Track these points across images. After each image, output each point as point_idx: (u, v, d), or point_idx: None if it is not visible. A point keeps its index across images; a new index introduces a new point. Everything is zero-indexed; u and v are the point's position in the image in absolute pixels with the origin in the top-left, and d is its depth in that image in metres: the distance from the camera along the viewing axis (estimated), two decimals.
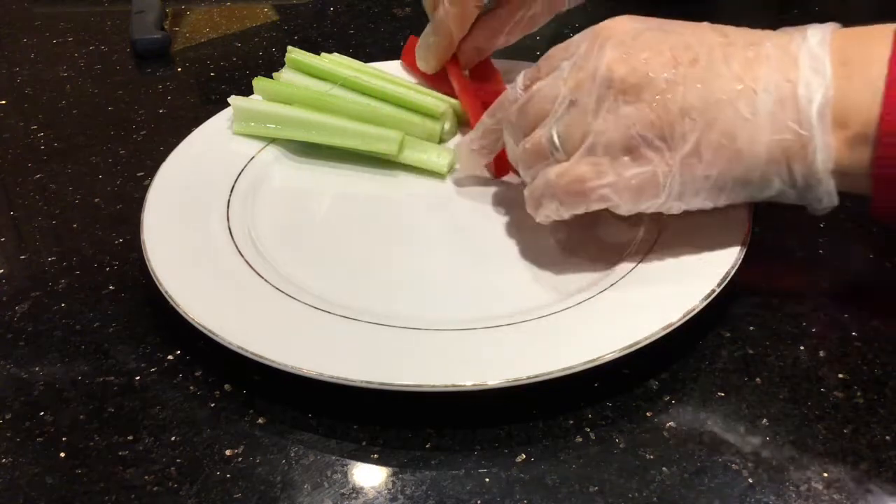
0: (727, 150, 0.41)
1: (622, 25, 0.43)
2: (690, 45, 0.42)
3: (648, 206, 0.43)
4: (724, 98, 0.41)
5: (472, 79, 0.62)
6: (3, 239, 0.54)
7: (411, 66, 0.65)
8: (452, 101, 0.60)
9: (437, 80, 0.62)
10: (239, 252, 0.48)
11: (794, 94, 0.40)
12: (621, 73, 0.41)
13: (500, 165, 0.55)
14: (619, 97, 0.41)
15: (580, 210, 0.44)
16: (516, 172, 0.54)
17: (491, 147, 0.51)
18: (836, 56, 0.40)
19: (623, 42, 0.42)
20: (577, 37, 0.45)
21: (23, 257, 0.52)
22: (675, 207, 0.44)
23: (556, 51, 0.46)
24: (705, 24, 0.44)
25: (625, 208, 0.44)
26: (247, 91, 0.60)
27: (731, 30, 0.44)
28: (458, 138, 0.59)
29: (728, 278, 0.44)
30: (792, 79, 0.40)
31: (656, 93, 0.41)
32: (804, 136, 0.40)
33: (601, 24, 0.44)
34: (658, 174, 0.42)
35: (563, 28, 0.80)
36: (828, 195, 0.42)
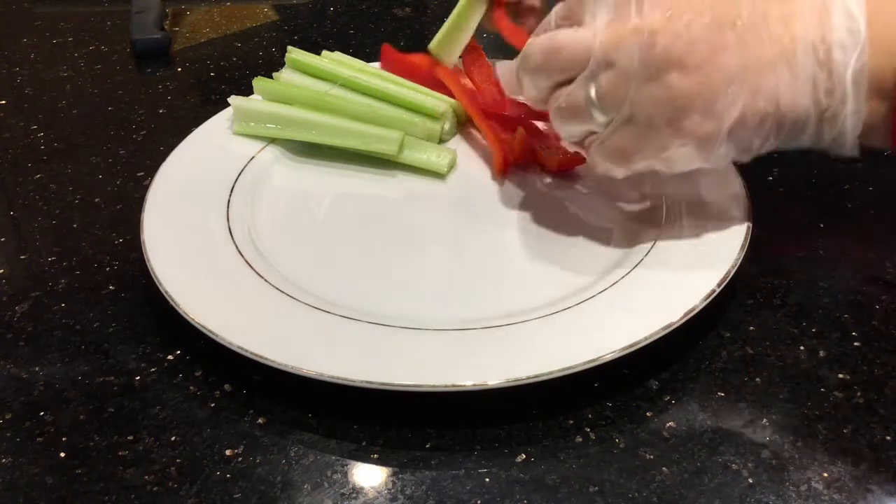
0: (772, 115, 0.41)
1: None
2: (731, 4, 0.40)
3: (695, 167, 0.43)
4: (767, 62, 0.40)
5: (466, 76, 0.62)
6: (3, 239, 0.54)
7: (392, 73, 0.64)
8: (452, 101, 0.60)
9: (434, 81, 0.62)
10: (239, 252, 0.48)
11: (829, 58, 0.39)
12: (664, 42, 0.39)
13: (503, 165, 0.56)
14: (662, 67, 0.40)
15: (628, 174, 0.44)
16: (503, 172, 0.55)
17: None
18: (870, 11, 0.39)
19: (662, 4, 0.40)
20: None
21: (23, 257, 0.52)
22: (720, 163, 0.43)
23: None
24: None
25: (672, 171, 0.43)
26: (247, 91, 0.60)
27: None
28: (450, 144, 0.59)
29: (728, 278, 0.44)
30: (827, 40, 0.39)
31: (700, 62, 0.39)
32: (837, 103, 0.40)
33: None
34: (704, 143, 0.41)
35: None
36: (851, 149, 0.42)
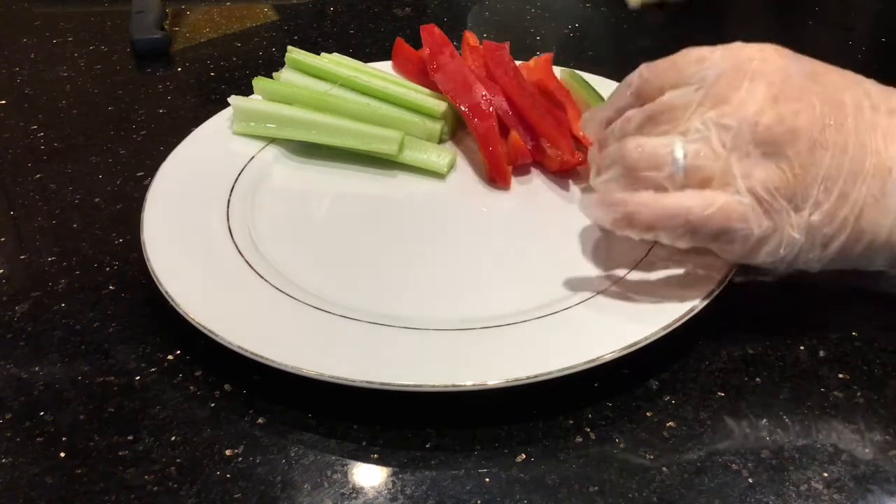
0: (852, 227, 0.40)
1: (772, 61, 0.41)
2: (841, 104, 0.40)
3: (762, 259, 0.41)
4: (861, 172, 0.39)
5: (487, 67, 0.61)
6: (3, 239, 0.54)
7: (401, 69, 0.64)
8: None
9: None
10: (239, 252, 0.48)
11: None
12: (767, 121, 0.39)
13: (496, 170, 0.55)
14: (760, 147, 0.39)
15: (683, 244, 0.42)
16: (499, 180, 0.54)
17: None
18: None
19: (772, 83, 0.40)
20: (714, 53, 0.42)
21: (23, 257, 0.52)
22: (784, 267, 0.42)
23: (685, 61, 0.42)
24: (850, 73, 0.42)
25: (736, 256, 0.42)
26: (247, 91, 0.60)
27: (872, 87, 0.41)
28: (449, 145, 0.59)
29: (728, 278, 0.44)
30: None
31: (799, 152, 0.39)
32: None
33: (745, 50, 0.41)
34: (781, 233, 0.40)
35: (562, 28, 0.80)
36: None
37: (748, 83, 0.40)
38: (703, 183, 0.40)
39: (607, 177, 0.43)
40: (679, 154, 0.40)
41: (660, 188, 0.41)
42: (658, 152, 0.41)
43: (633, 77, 0.44)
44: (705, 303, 0.43)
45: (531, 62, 0.63)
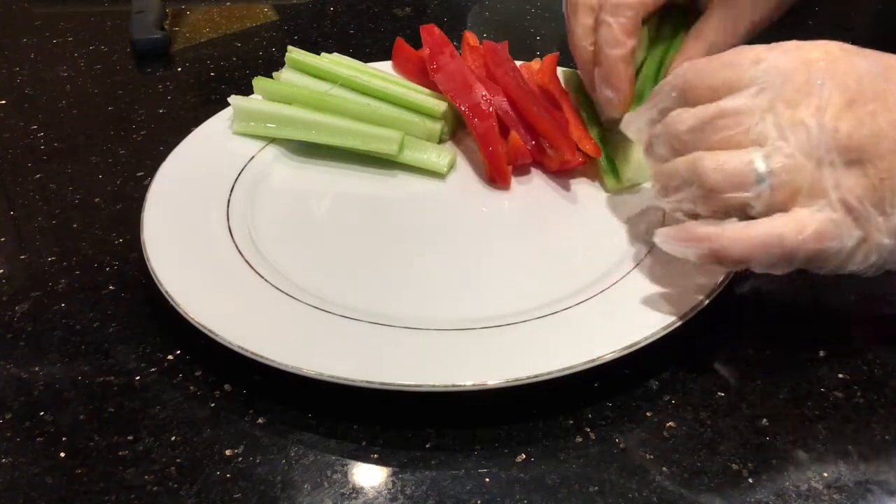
0: None
1: (841, 61, 0.38)
2: None
3: (854, 269, 0.39)
4: None
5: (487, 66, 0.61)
6: (3, 239, 0.54)
7: (401, 69, 0.64)
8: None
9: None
10: (239, 252, 0.48)
11: None
12: (847, 127, 0.37)
13: (496, 170, 0.55)
14: (842, 154, 0.37)
15: (777, 272, 0.39)
16: (501, 179, 0.54)
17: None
18: None
19: (846, 86, 0.38)
20: (771, 52, 0.39)
21: (23, 257, 0.52)
22: (873, 272, 0.40)
23: (741, 61, 0.40)
24: None
25: (828, 271, 0.39)
26: (247, 91, 0.60)
27: None
28: (449, 145, 0.59)
29: (728, 278, 0.44)
30: None
31: (882, 156, 0.37)
32: None
33: (808, 50, 0.39)
34: (871, 240, 0.38)
35: (562, 28, 0.80)
36: None
37: (819, 86, 0.38)
38: (791, 196, 0.38)
39: (679, 197, 0.41)
40: (762, 168, 0.38)
41: (744, 208, 0.39)
42: (741, 170, 0.38)
43: (677, 78, 0.42)
44: (706, 303, 0.43)
45: (534, 63, 0.63)
